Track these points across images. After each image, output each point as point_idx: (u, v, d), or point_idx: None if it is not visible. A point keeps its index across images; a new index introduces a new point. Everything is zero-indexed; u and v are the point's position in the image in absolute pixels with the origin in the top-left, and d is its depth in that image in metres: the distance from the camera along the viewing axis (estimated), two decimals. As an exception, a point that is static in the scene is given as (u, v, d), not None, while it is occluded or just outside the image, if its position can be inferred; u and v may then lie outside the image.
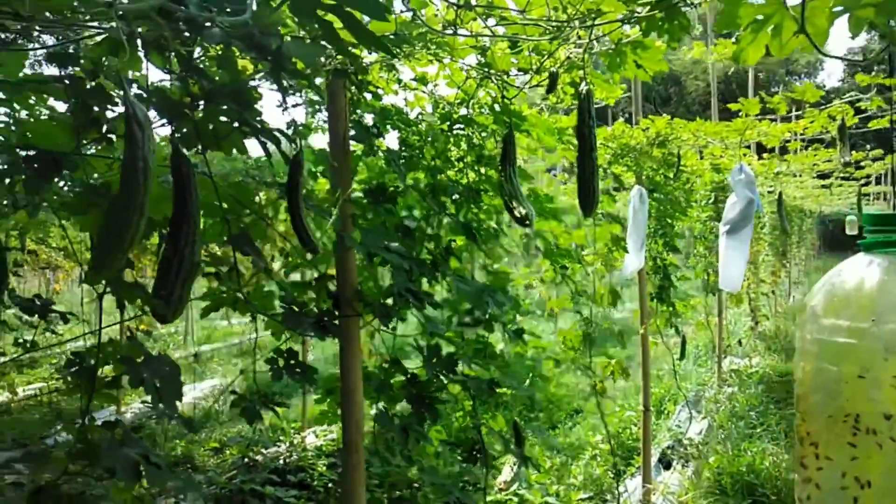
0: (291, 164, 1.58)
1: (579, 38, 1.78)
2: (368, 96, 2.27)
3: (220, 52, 1.40)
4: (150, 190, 0.94)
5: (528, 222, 1.90)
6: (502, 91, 2.13)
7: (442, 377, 2.28)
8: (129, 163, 0.91)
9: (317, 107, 2.47)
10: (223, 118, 1.58)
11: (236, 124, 1.59)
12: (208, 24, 1.22)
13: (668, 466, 5.98)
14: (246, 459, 5.63)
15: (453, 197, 2.32)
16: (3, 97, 1.45)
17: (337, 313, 2.01)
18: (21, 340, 3.91)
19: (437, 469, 2.38)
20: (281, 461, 5.78)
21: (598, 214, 4.02)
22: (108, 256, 0.95)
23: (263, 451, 5.94)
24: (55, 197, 1.53)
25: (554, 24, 1.62)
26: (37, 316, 1.45)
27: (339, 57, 1.61)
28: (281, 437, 6.46)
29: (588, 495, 5.21)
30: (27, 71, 1.49)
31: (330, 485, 5.53)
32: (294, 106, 1.96)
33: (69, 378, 1.33)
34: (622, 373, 4.08)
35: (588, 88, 1.73)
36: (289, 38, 1.36)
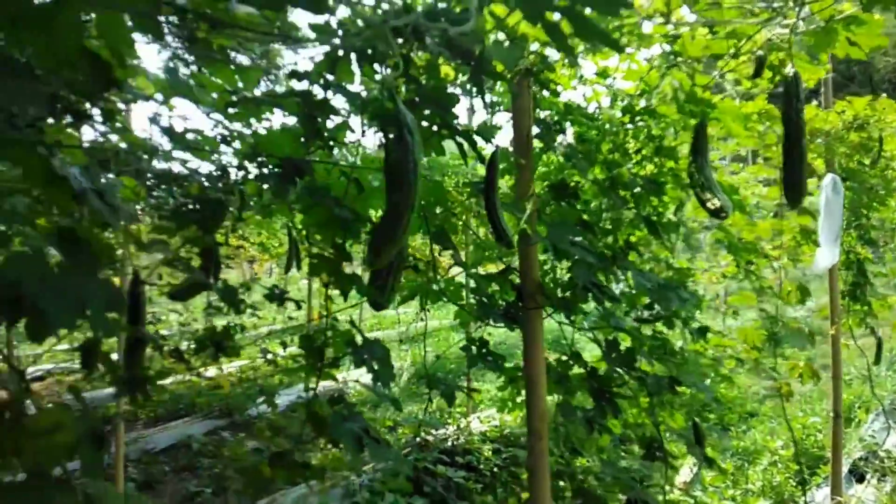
0: (489, 164, 1.66)
1: (784, 17, 1.67)
2: (546, 94, 2.30)
3: (428, 60, 1.50)
4: (418, 189, 1.05)
5: (724, 214, 1.82)
6: (692, 79, 2.05)
7: (621, 371, 2.26)
8: (401, 164, 1.02)
9: (496, 108, 2.54)
10: (424, 122, 1.69)
11: (434, 127, 1.70)
12: (430, 35, 1.32)
13: (860, 479, 5.41)
14: (418, 439, 5.95)
15: (634, 190, 2.28)
16: (241, 112, 1.68)
17: (520, 305, 2.07)
18: (232, 324, 4.45)
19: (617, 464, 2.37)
20: (449, 443, 6.03)
21: (784, 206, 3.73)
22: (383, 249, 1.07)
23: (433, 431, 6.23)
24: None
25: (772, 5, 1.53)
26: (275, 302, 1.67)
27: (530, 57, 1.65)
28: (448, 421, 6.74)
29: (768, 503, 4.87)
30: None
31: (495, 469, 5.68)
32: (481, 108, 2.03)
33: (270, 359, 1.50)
34: (812, 375, 3.75)
35: (796, 72, 1.62)
36: (490, 43, 1.43)
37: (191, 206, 1.35)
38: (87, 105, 1.55)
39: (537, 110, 2.30)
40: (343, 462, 1.61)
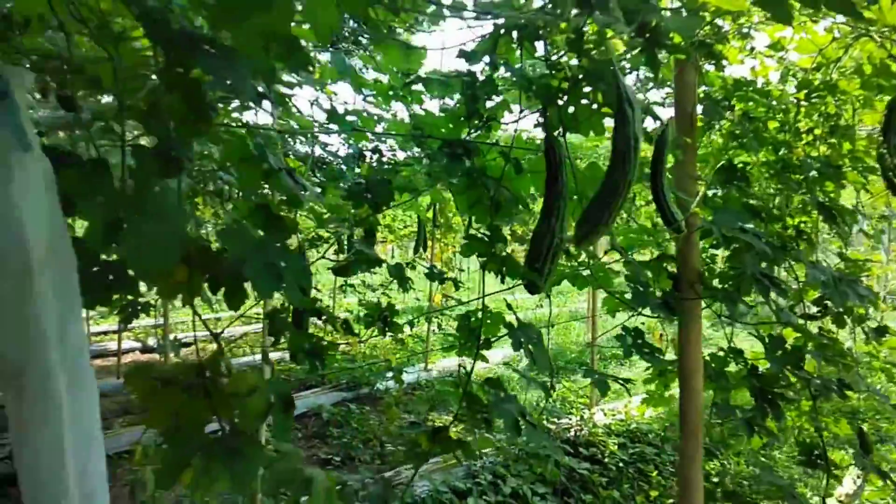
0: (657, 142, 1.57)
1: None
2: (711, 68, 2.14)
3: (596, 33, 1.44)
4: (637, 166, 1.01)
5: (925, 202, 1.61)
6: (889, 50, 1.82)
7: (787, 372, 2.08)
8: (621, 140, 0.98)
9: (649, 84, 2.41)
10: (584, 101, 1.63)
11: (595, 106, 1.63)
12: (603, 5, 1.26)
13: None
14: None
15: (809, 174, 2.07)
16: (402, 94, 1.70)
17: (677, 295, 1.96)
18: (364, 300, 4.63)
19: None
20: (572, 433, 5.94)
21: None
22: (594, 229, 1.05)
23: (556, 420, 6.16)
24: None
25: None
26: (434, 280, 1.69)
27: (705, 28, 1.53)
28: (572, 411, 6.64)
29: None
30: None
31: (621, 464, 5.52)
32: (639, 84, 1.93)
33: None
34: None
35: None
36: (667, 13, 1.34)
37: (364, 186, 1.39)
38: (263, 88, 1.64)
39: (702, 86, 2.15)
40: (491, 442, 1.61)
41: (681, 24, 1.35)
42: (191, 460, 0.95)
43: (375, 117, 1.77)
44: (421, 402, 7.58)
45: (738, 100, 2.06)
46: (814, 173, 2.06)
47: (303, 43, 1.45)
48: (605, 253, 2.00)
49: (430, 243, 7.91)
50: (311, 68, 1.02)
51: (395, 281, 1.86)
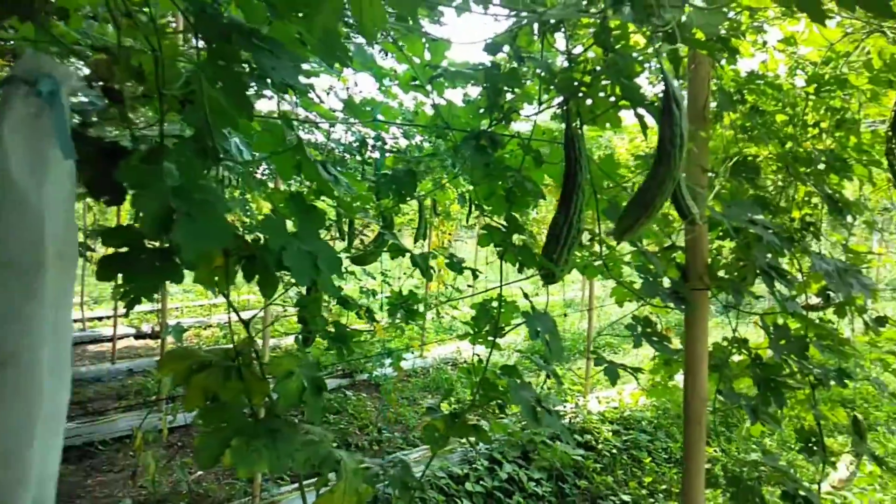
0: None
1: None
2: (723, 62, 2.17)
3: (618, 27, 1.46)
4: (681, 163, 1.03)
5: (933, 197, 1.64)
6: (900, 46, 1.85)
7: (791, 361, 2.13)
8: (667, 136, 1.00)
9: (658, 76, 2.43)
10: (601, 94, 1.65)
11: (612, 98, 1.65)
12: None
13: None
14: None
15: (817, 167, 2.11)
16: (420, 85, 1.71)
17: (685, 285, 2.00)
18: (365, 289, 4.68)
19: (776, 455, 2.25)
20: (567, 420, 6.01)
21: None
22: (636, 222, 1.07)
23: (552, 406, 6.22)
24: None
25: None
26: (455, 270, 1.72)
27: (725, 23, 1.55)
28: (565, 399, 6.71)
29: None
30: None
31: (614, 451, 5.61)
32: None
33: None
34: None
35: None
36: (690, 9, 1.36)
37: (391, 177, 1.41)
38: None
39: (714, 80, 2.18)
40: (504, 428, 1.64)
41: (704, 20, 1.37)
42: (231, 441, 0.98)
43: (398, 106, 1.79)
44: (417, 388, 7.65)
45: (750, 93, 2.08)
46: (821, 166, 2.10)
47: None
48: (618, 242, 2.03)
49: (427, 231, 7.93)
50: (347, 62, 1.03)
51: (394, 269, 1.88)
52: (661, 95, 1.66)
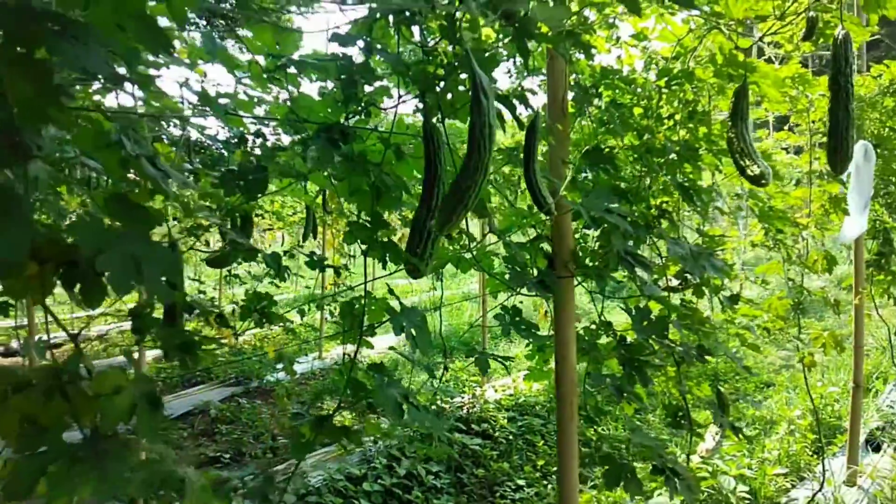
0: (528, 128, 1.63)
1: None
2: (581, 56, 2.25)
3: (469, 21, 1.46)
4: (492, 153, 1.03)
5: (764, 181, 1.79)
6: (735, 42, 1.99)
7: (651, 341, 2.25)
8: (476, 128, 1.00)
9: (524, 72, 2.49)
10: (461, 87, 1.66)
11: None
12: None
13: (877, 449, 5.43)
14: (434, 406, 6.01)
15: (670, 157, 2.24)
16: (278, 76, 1.65)
17: (552, 273, 2.06)
18: (252, 291, 4.47)
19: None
20: (464, 411, 6.10)
21: (816, 173, 3.67)
22: (453, 214, 1.06)
23: (450, 399, 6.29)
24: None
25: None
26: (316, 269, 1.67)
27: (572, 18, 1.61)
28: (464, 389, 6.80)
29: (784, 471, 4.91)
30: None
31: (510, 437, 5.75)
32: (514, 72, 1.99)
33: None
34: (835, 345, 3.73)
35: (845, 33, 1.57)
36: (535, 3, 1.39)
37: (237, 173, 1.34)
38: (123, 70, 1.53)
39: (573, 74, 2.25)
40: (378, 427, 1.63)
41: (548, 15, 1.40)
42: (48, 467, 0.89)
43: (256, 100, 1.71)
44: (313, 392, 7.49)
45: (606, 87, 2.18)
46: (673, 156, 2.23)
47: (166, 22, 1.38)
48: (485, 235, 2.07)
49: (320, 230, 7.77)
50: (173, 50, 0.96)
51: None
52: (518, 89, 1.70)
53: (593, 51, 2.30)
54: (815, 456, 4.95)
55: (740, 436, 2.57)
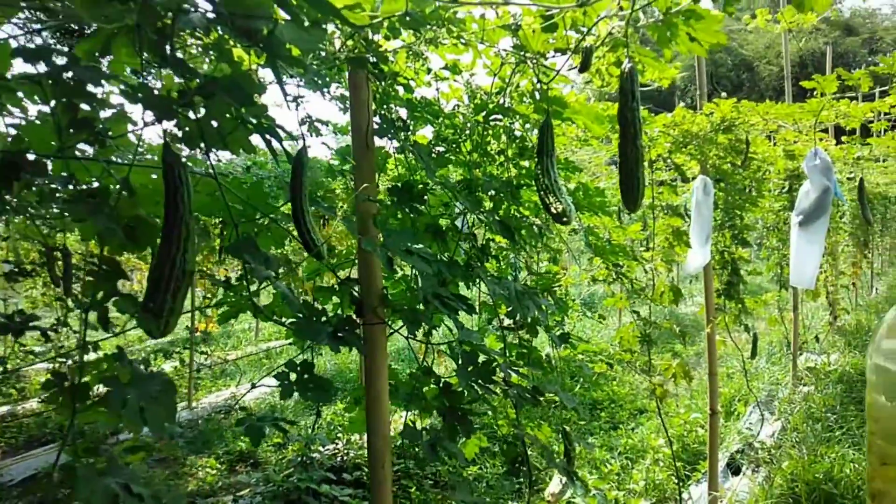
0: (294, 163, 1.45)
1: (621, 9, 1.56)
2: (401, 89, 2.12)
3: (212, 42, 1.27)
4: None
5: (565, 219, 1.70)
6: (538, 75, 1.93)
7: (477, 387, 2.11)
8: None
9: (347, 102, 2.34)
10: (227, 114, 1.46)
11: (240, 121, 1.47)
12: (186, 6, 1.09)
13: (737, 472, 5.63)
14: (303, 458, 5.63)
15: (490, 193, 2.14)
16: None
17: (360, 320, 1.87)
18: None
19: (473, 484, 2.21)
20: (338, 458, 5.76)
21: (658, 207, 3.75)
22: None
23: (322, 448, 5.93)
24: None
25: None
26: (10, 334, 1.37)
27: (349, 43, 1.46)
28: (339, 435, 6.46)
29: (650, 502, 4.95)
30: None
31: (382, 484, 5.46)
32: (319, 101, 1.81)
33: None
34: (684, 375, 3.79)
35: (631, 66, 1.52)
36: (283, 22, 1.23)
37: None
38: None
39: (389, 106, 2.12)
40: None
41: (297, 36, 1.24)
42: None
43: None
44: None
45: (416, 121, 2.06)
46: (493, 192, 2.13)
47: None
48: (268, 283, 1.85)
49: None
50: None
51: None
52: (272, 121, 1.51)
53: (412, 83, 2.19)
54: (678, 484, 5.03)
55: (574, 479, 2.46)
